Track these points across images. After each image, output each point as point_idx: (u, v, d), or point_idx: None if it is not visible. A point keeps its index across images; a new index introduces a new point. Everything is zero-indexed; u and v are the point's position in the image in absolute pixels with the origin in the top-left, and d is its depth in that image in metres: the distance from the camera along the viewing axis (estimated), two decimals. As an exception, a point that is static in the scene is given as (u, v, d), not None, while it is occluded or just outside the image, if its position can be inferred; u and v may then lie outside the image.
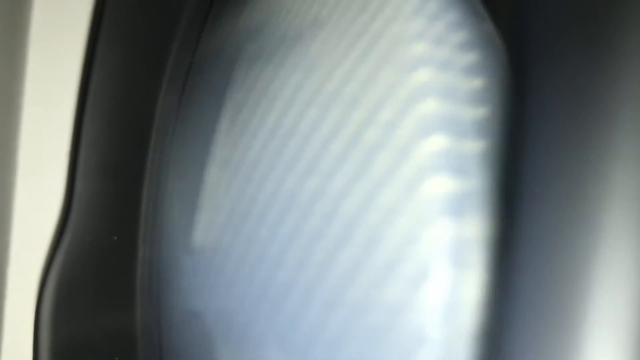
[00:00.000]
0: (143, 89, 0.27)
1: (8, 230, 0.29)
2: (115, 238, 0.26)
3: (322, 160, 0.16)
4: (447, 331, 0.13)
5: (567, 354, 0.13)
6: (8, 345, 0.28)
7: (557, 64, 0.14)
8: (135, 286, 0.26)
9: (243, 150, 0.18)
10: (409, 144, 0.14)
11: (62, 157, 0.29)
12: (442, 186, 0.14)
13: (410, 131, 0.14)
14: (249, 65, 0.19)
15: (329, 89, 0.16)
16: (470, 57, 0.15)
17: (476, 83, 0.15)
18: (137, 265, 0.26)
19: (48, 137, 0.29)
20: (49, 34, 0.30)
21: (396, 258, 0.14)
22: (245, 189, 0.18)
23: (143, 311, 0.26)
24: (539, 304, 0.13)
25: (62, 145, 0.29)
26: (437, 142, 0.14)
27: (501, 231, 0.14)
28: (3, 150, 0.28)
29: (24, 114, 0.30)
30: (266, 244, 0.17)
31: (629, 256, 0.13)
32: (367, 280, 0.14)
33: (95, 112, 0.26)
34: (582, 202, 0.13)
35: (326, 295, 0.15)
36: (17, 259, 0.28)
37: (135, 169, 0.26)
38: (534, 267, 0.13)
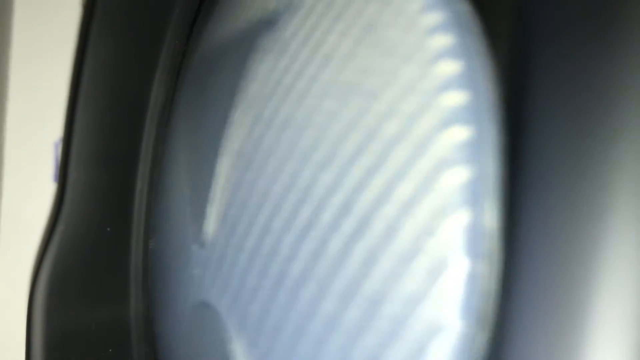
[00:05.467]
0: (136, 77, 0.26)
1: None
2: (109, 229, 0.25)
3: (339, 153, 0.16)
4: (466, 322, 0.14)
5: (571, 348, 0.13)
6: (0, 337, 0.27)
7: (561, 56, 0.14)
8: (129, 277, 0.26)
9: (257, 142, 0.18)
10: (427, 134, 0.14)
11: (51, 146, 0.29)
12: (460, 177, 0.14)
13: (429, 122, 0.14)
14: (259, 56, 0.19)
15: (345, 81, 0.16)
16: (447, 40, 0.15)
17: (456, 67, 0.15)
18: (130, 256, 0.26)
19: (37, 127, 0.29)
20: (36, 22, 0.29)
21: (415, 249, 0.14)
22: (259, 181, 0.18)
23: (137, 302, 0.26)
24: (542, 298, 0.13)
25: (51, 135, 0.29)
26: (455, 133, 0.14)
27: (505, 225, 0.14)
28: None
29: (9, 104, 0.29)
30: (281, 236, 0.17)
31: (633, 251, 0.13)
32: (385, 271, 0.14)
33: (88, 101, 0.25)
34: (587, 197, 0.13)
35: (343, 286, 0.15)
36: (8, 250, 0.28)
37: (128, 158, 0.26)
38: (537, 262, 0.13)
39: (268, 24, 0.20)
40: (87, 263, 0.25)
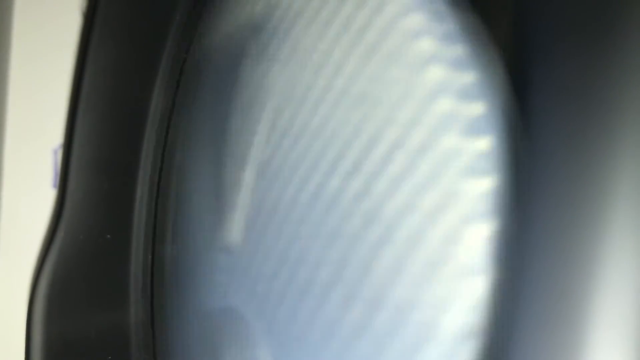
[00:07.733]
0: (136, 84, 0.26)
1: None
2: (109, 236, 0.25)
3: (366, 162, 0.16)
4: (490, 328, 0.14)
5: (573, 350, 0.13)
6: (0, 342, 0.27)
7: (561, 61, 0.14)
8: (129, 284, 0.26)
9: (283, 152, 0.18)
10: (449, 144, 0.15)
11: (50, 153, 0.29)
12: (483, 185, 0.14)
13: (430, 127, 0.15)
14: (266, 63, 0.19)
15: (361, 91, 0.16)
16: (458, 49, 0.15)
17: (467, 77, 0.15)
18: (130, 263, 0.26)
19: (36, 133, 0.29)
20: (36, 29, 0.29)
21: (440, 257, 0.14)
22: (286, 190, 0.18)
23: (137, 309, 0.26)
24: (546, 302, 0.13)
25: (51, 141, 0.29)
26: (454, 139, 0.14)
27: (509, 230, 0.14)
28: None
29: (9, 110, 0.29)
30: (309, 243, 0.17)
31: (634, 254, 0.13)
32: (412, 278, 0.15)
33: (88, 107, 0.25)
34: (587, 201, 0.13)
35: (369, 293, 0.15)
36: (7, 257, 0.28)
37: (128, 165, 0.26)
38: (541, 266, 0.14)
39: (254, 28, 0.20)
40: (87, 270, 0.25)
